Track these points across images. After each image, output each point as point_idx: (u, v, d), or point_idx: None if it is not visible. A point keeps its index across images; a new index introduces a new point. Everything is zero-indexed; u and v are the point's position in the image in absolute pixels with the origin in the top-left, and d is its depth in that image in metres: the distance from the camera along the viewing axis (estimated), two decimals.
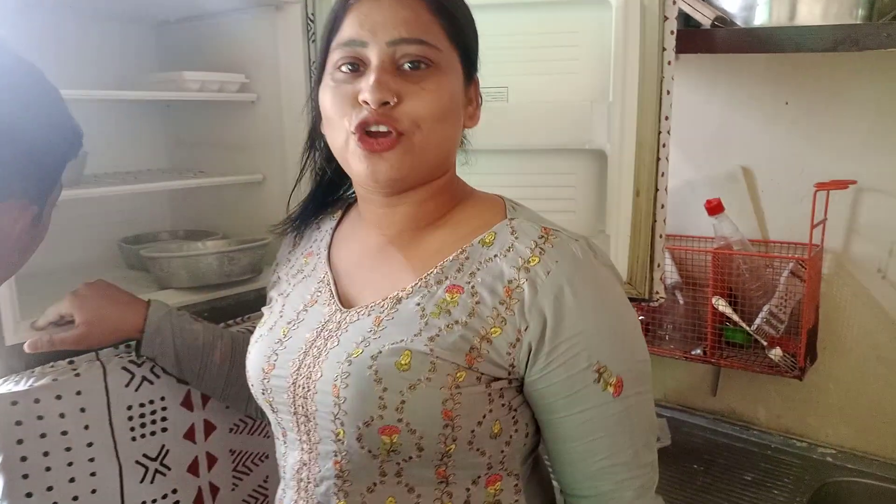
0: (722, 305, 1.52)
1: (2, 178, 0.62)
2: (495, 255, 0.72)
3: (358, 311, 0.76)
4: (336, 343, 0.74)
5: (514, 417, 0.73)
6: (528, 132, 1.26)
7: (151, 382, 1.09)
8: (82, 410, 1.02)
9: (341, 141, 0.72)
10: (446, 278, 0.73)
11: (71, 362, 1.04)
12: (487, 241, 0.74)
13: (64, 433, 1.00)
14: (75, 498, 1.01)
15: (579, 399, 0.70)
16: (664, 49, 1.20)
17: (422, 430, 0.68)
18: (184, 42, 1.56)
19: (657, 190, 1.25)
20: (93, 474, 1.03)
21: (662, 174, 1.25)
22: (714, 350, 1.57)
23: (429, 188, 0.77)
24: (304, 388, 0.74)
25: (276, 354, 0.80)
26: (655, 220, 1.26)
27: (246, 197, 1.50)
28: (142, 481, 1.09)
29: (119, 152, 1.58)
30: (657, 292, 1.29)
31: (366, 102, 0.68)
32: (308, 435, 0.77)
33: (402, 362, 0.68)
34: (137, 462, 1.08)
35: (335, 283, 0.82)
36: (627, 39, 1.19)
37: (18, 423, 0.95)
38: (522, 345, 0.69)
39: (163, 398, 1.11)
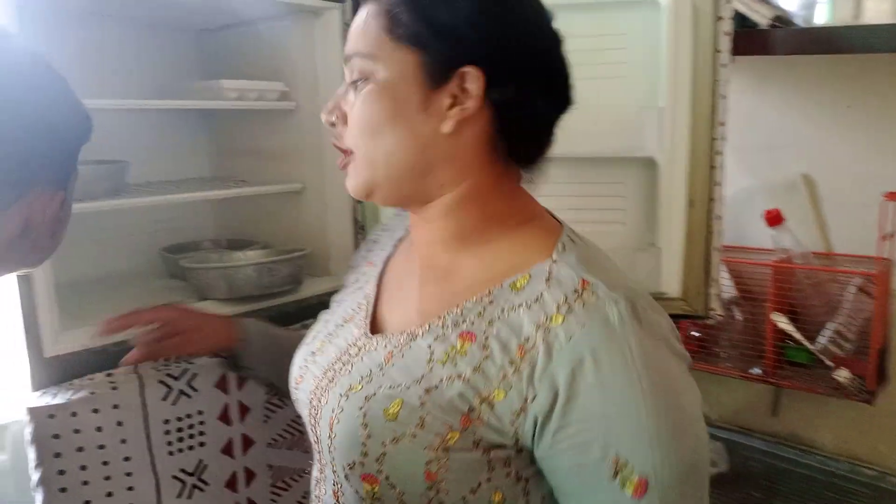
0: (782, 322, 1.44)
1: (28, 168, 0.63)
2: (520, 305, 0.62)
3: (378, 340, 0.70)
4: (349, 371, 0.70)
5: (524, 489, 0.63)
6: (575, 140, 1.20)
7: (189, 396, 1.08)
8: (119, 424, 1.01)
9: None
10: (463, 322, 0.64)
11: (109, 375, 1.03)
12: (518, 285, 0.63)
13: (101, 447, 0.99)
14: None
15: (590, 491, 0.59)
16: (718, 51, 1.14)
17: (402, 486, 0.62)
18: (225, 50, 1.56)
19: (712, 200, 1.18)
20: (130, 489, 1.02)
21: (718, 183, 1.18)
22: (774, 370, 1.49)
23: (439, 205, 0.68)
24: (316, 409, 0.71)
25: (307, 367, 0.77)
26: (711, 233, 1.20)
27: (286, 206, 1.49)
28: (179, 496, 1.07)
29: (163, 161, 1.59)
30: (713, 309, 1.22)
31: None
32: (320, 454, 0.74)
33: (392, 411, 0.62)
34: (175, 477, 1.07)
35: (374, 303, 0.77)
36: (678, 41, 1.13)
37: (56, 436, 0.95)
38: (528, 416, 0.59)
39: (200, 412, 1.09)
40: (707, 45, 1.14)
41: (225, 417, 1.12)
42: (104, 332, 0.94)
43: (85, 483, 0.98)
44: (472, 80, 0.62)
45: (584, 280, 0.61)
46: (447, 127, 0.63)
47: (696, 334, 1.59)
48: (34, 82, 0.64)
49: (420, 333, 0.66)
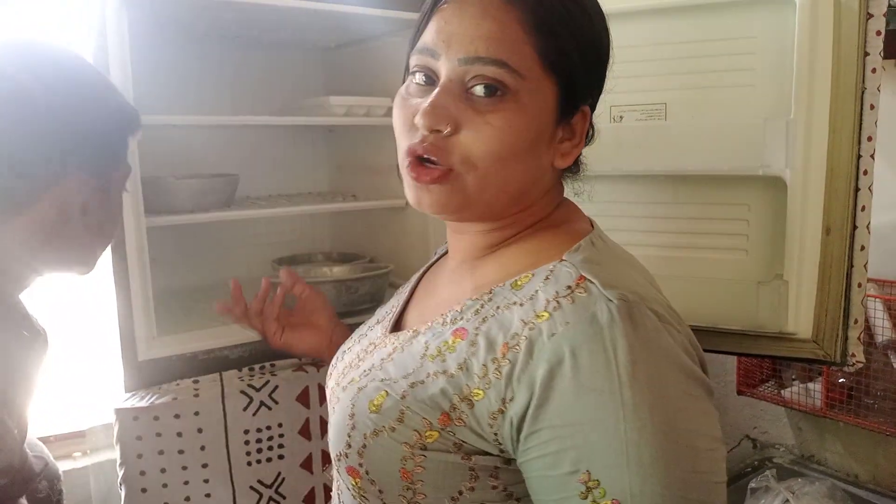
0: None
1: (60, 155, 0.68)
2: (515, 302, 0.57)
3: (391, 338, 0.69)
4: (358, 366, 0.69)
5: None
6: (687, 154, 1.08)
7: (269, 408, 1.08)
8: (199, 431, 1.03)
9: (399, 159, 0.64)
10: (461, 318, 0.61)
11: (196, 381, 1.06)
12: (519, 283, 0.59)
13: (181, 452, 1.01)
14: None
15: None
16: (867, 54, 0.97)
17: (380, 483, 0.60)
18: (348, 67, 1.58)
19: (855, 227, 1.01)
20: (207, 495, 1.04)
21: (863, 208, 1.01)
22: None
23: (502, 220, 0.65)
24: (331, 404, 0.71)
25: (335, 364, 0.77)
26: (853, 266, 1.02)
27: (392, 221, 1.48)
28: None
29: (285, 176, 1.65)
30: (853, 355, 1.04)
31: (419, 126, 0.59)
32: None
33: (375, 403, 0.60)
34: (252, 488, 1.08)
35: (405, 305, 0.76)
36: (816, 43, 0.98)
37: (139, 437, 0.99)
38: (506, 419, 0.54)
39: (280, 425, 1.10)
40: (852, 48, 0.97)
41: (305, 432, 1.12)
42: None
43: (164, 486, 1.01)
44: (585, 117, 0.64)
45: (581, 276, 0.56)
46: (563, 163, 0.64)
47: (842, 381, 1.38)
48: (70, 82, 0.69)
49: (423, 330, 0.64)
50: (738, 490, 1.32)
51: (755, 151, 1.03)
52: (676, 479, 0.50)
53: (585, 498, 0.50)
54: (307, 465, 1.12)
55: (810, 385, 1.43)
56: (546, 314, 0.54)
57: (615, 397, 0.50)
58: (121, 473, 1.00)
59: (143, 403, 0.99)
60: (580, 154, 0.67)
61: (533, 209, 0.66)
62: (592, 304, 0.53)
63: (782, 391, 1.48)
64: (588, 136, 0.67)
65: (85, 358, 1.41)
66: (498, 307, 0.58)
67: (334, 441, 0.65)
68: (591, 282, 0.55)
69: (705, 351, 1.12)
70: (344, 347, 0.79)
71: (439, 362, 0.58)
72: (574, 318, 0.52)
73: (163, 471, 1.00)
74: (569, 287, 0.55)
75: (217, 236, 1.50)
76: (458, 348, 0.58)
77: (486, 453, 0.56)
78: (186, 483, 1.02)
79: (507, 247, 0.65)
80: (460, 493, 0.57)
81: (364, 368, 0.67)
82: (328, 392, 0.76)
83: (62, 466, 1.35)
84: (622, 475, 0.49)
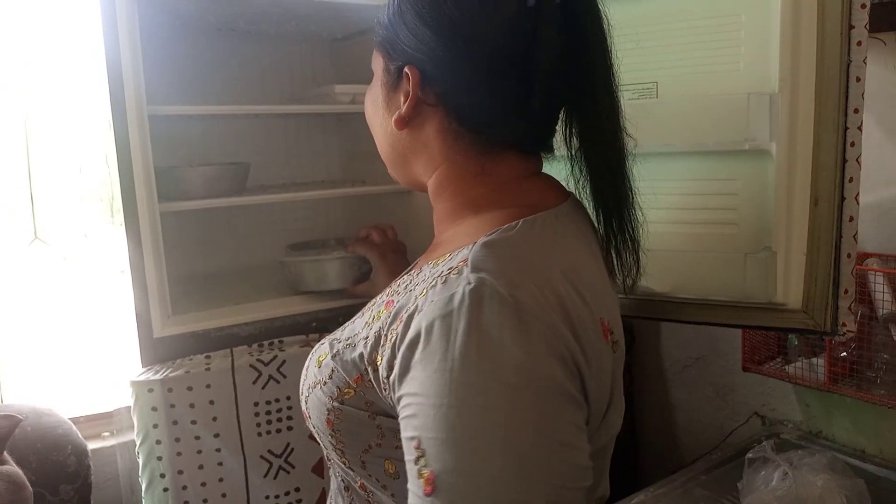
0: None
1: None
2: (425, 279, 0.60)
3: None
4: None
5: None
6: (676, 132, 1.11)
7: (278, 381, 1.14)
8: (211, 403, 1.09)
9: None
10: (395, 293, 0.65)
11: (207, 357, 1.12)
12: (439, 262, 0.62)
13: (193, 422, 1.07)
14: (203, 484, 1.09)
15: (409, 472, 0.54)
16: (851, 27, 0.98)
17: (318, 430, 0.67)
18: (358, 57, 1.63)
19: (843, 199, 1.02)
20: (220, 464, 1.10)
21: (851, 179, 1.02)
22: None
23: (429, 189, 0.72)
24: None
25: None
26: (842, 237, 1.03)
27: (400, 205, 1.53)
28: (266, 475, 1.14)
29: (297, 165, 1.70)
30: (844, 324, 1.06)
31: None
32: None
33: (320, 359, 0.67)
34: (262, 457, 1.13)
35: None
36: (800, 17, 0.99)
37: (154, 408, 1.05)
38: (389, 384, 0.57)
39: (288, 398, 1.15)
40: (835, 21, 0.98)
41: None
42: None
43: (178, 454, 1.07)
44: (406, 77, 0.66)
45: (464, 259, 0.57)
46: (394, 124, 0.68)
47: (844, 354, 1.38)
48: None
49: (377, 301, 0.68)
50: (741, 465, 1.34)
51: (740, 126, 1.05)
52: (486, 463, 0.50)
53: (416, 463, 0.52)
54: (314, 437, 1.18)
55: (814, 360, 1.43)
56: (425, 291, 0.57)
57: (445, 375, 0.52)
58: (137, 443, 1.06)
59: (158, 377, 1.05)
60: (477, 122, 0.66)
61: (436, 180, 0.69)
62: (455, 285, 0.54)
63: (787, 367, 1.49)
64: (450, 102, 0.65)
65: (111, 342, 1.49)
66: (417, 284, 0.61)
67: (300, 391, 0.72)
68: (467, 264, 0.56)
69: (698, 324, 1.16)
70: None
71: (367, 329, 0.63)
72: (437, 297, 0.55)
73: (177, 440, 1.06)
74: (450, 268, 0.57)
75: (232, 224, 1.56)
76: (382, 318, 0.61)
77: (389, 415, 0.60)
78: (199, 452, 1.08)
79: (454, 225, 0.68)
80: (370, 447, 0.63)
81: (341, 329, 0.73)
82: None
83: (91, 445, 1.43)
84: (441, 450, 0.51)
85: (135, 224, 1.09)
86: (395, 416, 0.58)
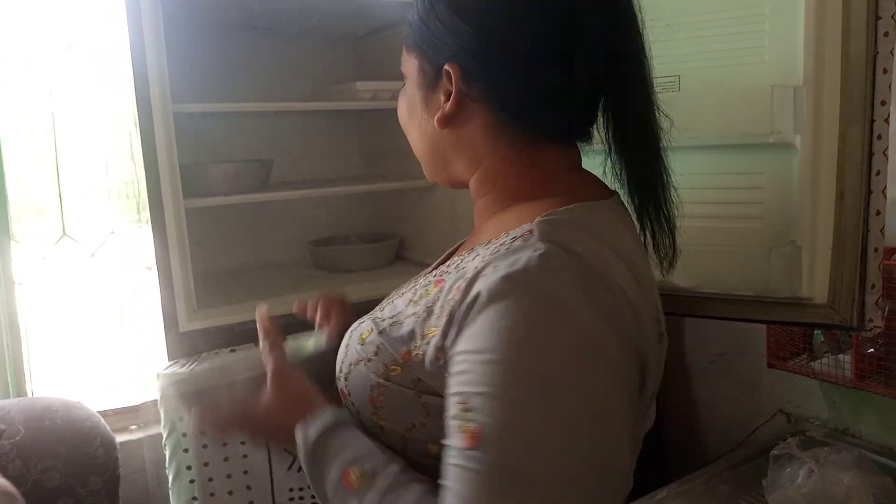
0: None
1: None
2: (479, 255, 0.60)
3: (405, 286, 0.74)
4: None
5: None
6: (699, 125, 1.10)
7: None
8: None
9: None
10: (445, 273, 0.65)
11: (232, 350, 1.13)
12: (496, 240, 0.62)
13: None
14: (228, 476, 1.10)
15: (449, 427, 0.54)
16: (878, 18, 0.97)
17: (357, 407, 0.66)
18: (381, 53, 1.64)
19: (870, 192, 1.01)
20: (244, 456, 1.11)
21: (878, 172, 1.00)
22: None
23: (471, 186, 0.71)
24: None
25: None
26: (868, 231, 1.02)
27: (420, 201, 1.53)
28: (289, 468, 1.15)
29: (320, 162, 1.72)
30: (870, 319, 1.04)
31: None
32: None
33: (363, 336, 0.66)
34: (286, 450, 1.14)
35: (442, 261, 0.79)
36: (824, 7, 0.98)
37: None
38: (447, 352, 0.57)
39: None
40: (861, 11, 0.97)
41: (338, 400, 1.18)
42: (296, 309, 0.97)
43: (204, 447, 1.08)
44: (449, 76, 0.65)
45: (528, 230, 0.58)
46: (435, 124, 0.67)
47: (871, 350, 1.36)
48: None
49: (420, 282, 0.69)
50: (765, 462, 1.33)
51: (765, 119, 1.04)
52: (535, 422, 0.51)
53: (460, 418, 0.52)
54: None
55: (840, 356, 1.42)
56: (486, 259, 0.57)
57: (504, 333, 0.52)
58: (164, 435, 1.08)
59: (184, 370, 1.07)
60: (521, 116, 0.65)
61: (480, 175, 0.69)
62: (522, 251, 0.55)
63: (812, 363, 1.47)
64: (495, 96, 0.64)
65: (138, 337, 1.51)
66: (469, 261, 0.62)
67: (337, 366, 0.71)
68: (533, 234, 0.57)
69: (722, 319, 1.15)
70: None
71: (413, 305, 0.63)
72: (501, 262, 0.55)
73: (202, 432, 1.08)
74: (515, 238, 0.58)
75: (256, 220, 1.58)
76: (432, 293, 0.62)
77: (437, 394, 0.59)
78: (224, 444, 1.10)
79: (500, 213, 0.68)
80: (413, 425, 0.62)
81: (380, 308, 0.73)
82: None
83: (119, 438, 1.46)
84: (490, 404, 0.51)
85: (160, 220, 1.11)
86: (442, 395, 0.58)
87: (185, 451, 1.07)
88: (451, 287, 0.59)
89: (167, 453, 1.08)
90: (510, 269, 0.54)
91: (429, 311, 0.60)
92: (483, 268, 0.56)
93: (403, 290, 0.70)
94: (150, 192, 1.11)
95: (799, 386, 1.63)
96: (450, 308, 0.57)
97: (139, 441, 1.56)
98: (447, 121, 0.66)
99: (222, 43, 1.49)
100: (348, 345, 0.69)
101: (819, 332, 1.51)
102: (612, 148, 0.69)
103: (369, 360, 0.64)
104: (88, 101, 1.48)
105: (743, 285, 1.10)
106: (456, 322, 0.56)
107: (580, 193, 0.66)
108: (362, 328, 0.68)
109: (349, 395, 0.67)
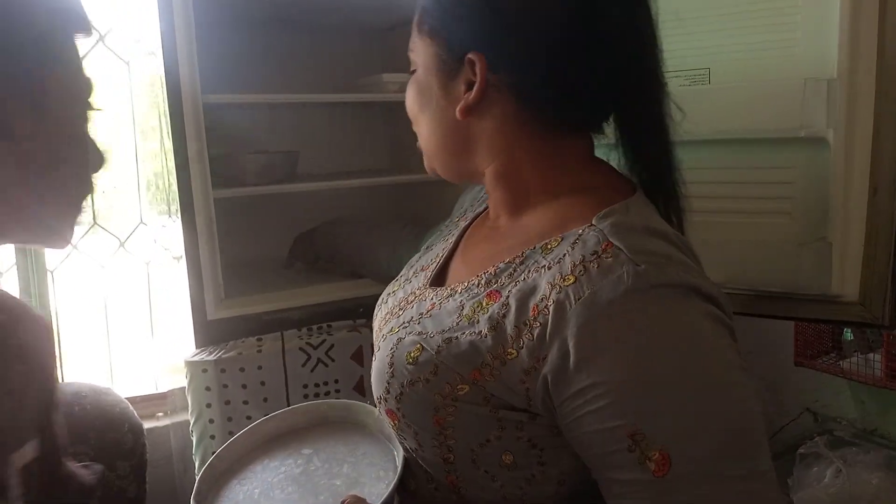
0: None
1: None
2: (544, 266, 0.60)
3: (429, 293, 0.72)
4: (399, 316, 0.73)
5: (539, 458, 0.61)
6: (729, 118, 1.09)
7: (326, 365, 1.16)
8: (262, 384, 1.12)
9: None
10: (495, 281, 0.64)
11: (259, 339, 1.15)
12: (550, 246, 0.62)
13: (245, 402, 1.10)
14: None
15: (613, 464, 0.54)
16: None
17: (416, 427, 0.65)
18: (402, 47, 1.63)
19: None
20: None
21: None
22: None
23: (486, 179, 0.70)
24: (377, 345, 0.75)
25: (382, 304, 0.80)
26: None
27: (445, 194, 1.53)
28: None
29: (346, 154, 1.72)
30: None
31: None
32: None
33: (412, 356, 0.64)
34: None
35: (447, 258, 0.78)
36: (860, 0, 0.96)
37: (207, 388, 1.08)
38: (539, 375, 0.56)
39: (336, 381, 1.17)
40: None
41: (360, 388, 1.19)
42: None
43: (230, 434, 1.10)
44: (474, 64, 0.64)
45: (608, 242, 0.57)
46: (457, 114, 0.65)
47: None
48: None
49: (459, 290, 0.67)
50: (791, 462, 1.32)
51: (796, 112, 1.02)
52: (720, 415, 0.52)
53: (634, 451, 0.52)
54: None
55: (870, 356, 1.39)
56: (572, 278, 0.56)
57: (652, 351, 0.53)
58: (191, 421, 1.10)
59: (211, 357, 1.09)
60: (544, 106, 0.65)
61: (500, 165, 0.68)
62: (618, 268, 0.55)
63: (841, 362, 1.45)
64: (520, 86, 0.64)
65: (166, 325, 1.54)
66: (528, 270, 0.61)
67: (375, 384, 0.70)
68: (619, 248, 0.56)
69: (749, 315, 1.14)
70: (389, 289, 0.82)
71: (474, 322, 0.61)
72: (599, 282, 0.54)
73: (229, 419, 1.10)
74: (595, 252, 0.57)
75: (282, 211, 1.59)
76: (491, 310, 0.61)
77: (514, 408, 0.59)
78: None
79: (534, 208, 0.67)
80: (488, 440, 0.61)
81: (403, 320, 0.71)
82: (375, 328, 0.79)
83: (146, 425, 1.48)
84: (666, 423, 0.51)
85: (190, 210, 1.12)
86: (519, 409, 0.59)
87: (212, 437, 1.09)
88: (522, 305, 0.58)
89: (194, 440, 1.10)
90: (615, 291, 0.54)
91: (495, 329, 0.59)
92: (575, 289, 0.55)
93: (428, 298, 0.69)
94: (180, 183, 1.12)
95: (826, 385, 1.61)
96: (539, 332, 0.56)
97: (166, 428, 1.58)
98: (470, 111, 0.65)
99: (251, 35, 1.51)
100: (393, 364, 0.66)
101: (848, 330, 1.49)
102: (623, 139, 0.69)
103: (427, 380, 0.63)
104: (119, 92, 1.50)
105: (771, 281, 1.09)
106: (570, 350, 0.54)
107: (608, 185, 0.67)
108: (407, 345, 0.66)
109: (403, 416, 0.65)
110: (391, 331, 0.70)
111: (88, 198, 0.63)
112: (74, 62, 0.57)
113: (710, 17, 1.10)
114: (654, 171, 0.68)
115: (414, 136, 0.78)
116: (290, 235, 1.64)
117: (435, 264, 0.78)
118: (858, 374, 1.40)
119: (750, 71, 1.09)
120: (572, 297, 0.55)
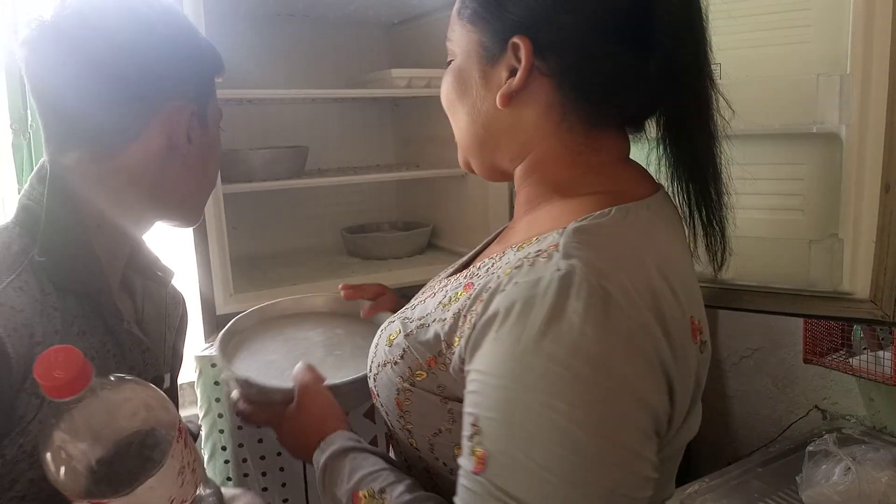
0: None
1: (162, 84, 0.70)
2: (507, 263, 0.58)
3: (439, 284, 0.70)
4: (412, 304, 0.71)
5: None
6: (741, 114, 1.08)
7: None
8: None
9: None
10: (476, 275, 0.62)
11: None
12: (524, 246, 0.59)
13: None
14: (262, 458, 1.12)
15: (462, 446, 0.54)
16: None
17: (385, 408, 0.66)
18: (415, 41, 1.64)
19: None
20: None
21: None
22: None
23: (517, 175, 0.67)
24: None
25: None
26: None
27: (453, 190, 1.53)
28: None
29: (354, 149, 1.73)
30: None
31: None
32: None
33: (391, 338, 0.65)
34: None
35: (476, 255, 0.76)
36: None
37: (216, 383, 1.08)
38: (464, 368, 0.56)
39: None
40: None
41: (370, 414, 1.19)
42: (346, 295, 0.97)
43: (239, 428, 1.10)
44: (518, 48, 0.60)
45: (555, 243, 0.55)
46: (498, 101, 0.62)
47: None
48: (167, 16, 0.72)
49: (452, 281, 0.66)
50: (800, 459, 1.31)
51: (808, 108, 1.02)
52: (541, 451, 0.49)
53: (471, 439, 0.52)
54: (369, 415, 1.19)
55: (880, 353, 1.39)
56: (510, 272, 0.54)
57: (515, 357, 0.51)
58: (200, 415, 1.10)
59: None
60: (587, 98, 0.61)
61: (528, 163, 0.66)
62: (545, 269, 0.52)
63: (851, 360, 1.44)
64: (567, 72, 0.60)
65: None
66: (501, 266, 0.59)
67: (369, 367, 0.70)
68: (559, 250, 0.53)
69: (758, 312, 1.13)
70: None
71: (442, 309, 0.61)
72: (522, 279, 0.53)
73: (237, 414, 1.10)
74: (539, 251, 0.55)
75: (290, 207, 1.60)
76: (461, 299, 0.59)
77: (460, 400, 0.57)
78: (259, 427, 1.11)
79: (538, 208, 0.65)
80: (439, 431, 0.61)
81: (408, 307, 0.71)
82: None
83: None
84: (497, 430, 0.50)
85: None
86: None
87: (221, 431, 1.09)
88: (476, 295, 0.57)
89: (202, 434, 1.10)
90: (528, 291, 0.52)
91: (456, 319, 0.58)
92: (507, 283, 0.54)
93: (435, 289, 0.68)
94: None
95: (835, 382, 1.60)
96: (472, 321, 0.55)
97: None
98: (511, 97, 0.62)
99: (260, 30, 1.51)
100: (377, 344, 0.68)
101: (858, 327, 1.48)
102: (668, 139, 0.65)
103: (395, 363, 0.63)
104: None
105: (781, 278, 1.08)
106: (474, 337, 0.54)
107: (624, 190, 0.63)
108: (392, 329, 0.67)
109: (378, 395, 0.67)
110: (392, 318, 0.71)
111: None
112: (215, 94, 0.78)
113: (721, 12, 1.09)
114: (698, 176, 0.65)
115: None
116: (299, 230, 1.65)
117: (459, 262, 0.77)
118: (868, 371, 1.39)
119: (762, 66, 1.08)
120: (499, 290, 0.54)
